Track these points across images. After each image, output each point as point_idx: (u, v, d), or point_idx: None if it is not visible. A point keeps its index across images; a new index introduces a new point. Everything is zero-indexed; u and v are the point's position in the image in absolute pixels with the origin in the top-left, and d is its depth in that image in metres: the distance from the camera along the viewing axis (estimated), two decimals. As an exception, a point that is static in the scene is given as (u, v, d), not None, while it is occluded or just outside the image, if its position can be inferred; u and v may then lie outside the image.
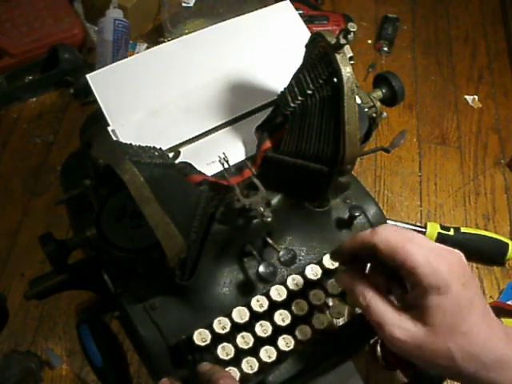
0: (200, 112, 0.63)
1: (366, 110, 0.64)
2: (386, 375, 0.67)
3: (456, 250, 0.50)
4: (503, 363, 0.46)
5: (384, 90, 0.67)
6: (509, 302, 0.72)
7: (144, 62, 0.64)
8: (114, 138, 0.60)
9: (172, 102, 0.63)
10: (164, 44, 0.67)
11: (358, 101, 0.62)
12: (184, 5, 1.00)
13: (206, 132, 0.62)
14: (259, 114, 0.64)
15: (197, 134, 0.62)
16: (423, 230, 0.78)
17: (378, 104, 0.65)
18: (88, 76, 0.61)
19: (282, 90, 0.59)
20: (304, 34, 0.68)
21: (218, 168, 0.60)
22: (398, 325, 0.47)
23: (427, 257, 0.46)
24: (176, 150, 0.60)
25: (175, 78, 0.64)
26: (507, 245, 0.77)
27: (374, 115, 0.64)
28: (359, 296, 0.50)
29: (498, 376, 0.46)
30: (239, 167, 0.60)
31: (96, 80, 0.61)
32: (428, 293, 0.46)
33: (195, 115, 0.63)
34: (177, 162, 0.60)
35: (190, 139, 0.62)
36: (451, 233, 0.78)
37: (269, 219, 0.54)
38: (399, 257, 0.47)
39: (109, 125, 0.60)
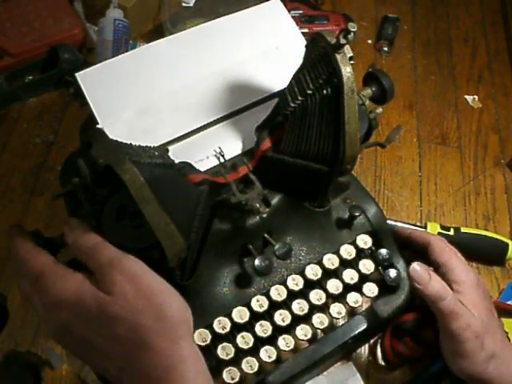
0: (189, 110, 0.63)
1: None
2: (386, 375, 0.67)
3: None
4: None
5: (374, 89, 0.66)
6: (509, 302, 0.72)
7: (133, 60, 0.64)
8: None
9: (161, 100, 0.63)
10: (153, 43, 0.66)
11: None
12: (184, 5, 1.00)
13: (196, 130, 0.62)
14: (248, 112, 0.64)
15: (186, 131, 0.62)
16: (423, 229, 0.78)
17: (367, 102, 0.65)
18: (77, 74, 0.61)
19: (281, 89, 0.60)
20: (293, 32, 0.68)
21: (208, 165, 0.60)
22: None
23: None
24: (164, 148, 0.60)
25: (164, 76, 0.64)
26: (507, 245, 0.77)
27: (364, 113, 0.64)
28: (419, 276, 0.60)
29: None
30: (235, 163, 0.60)
31: (85, 78, 0.61)
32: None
33: (184, 113, 0.63)
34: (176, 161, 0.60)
35: (179, 137, 0.61)
36: (451, 233, 0.77)
37: (264, 215, 0.54)
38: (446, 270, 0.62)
39: (98, 123, 0.60)
